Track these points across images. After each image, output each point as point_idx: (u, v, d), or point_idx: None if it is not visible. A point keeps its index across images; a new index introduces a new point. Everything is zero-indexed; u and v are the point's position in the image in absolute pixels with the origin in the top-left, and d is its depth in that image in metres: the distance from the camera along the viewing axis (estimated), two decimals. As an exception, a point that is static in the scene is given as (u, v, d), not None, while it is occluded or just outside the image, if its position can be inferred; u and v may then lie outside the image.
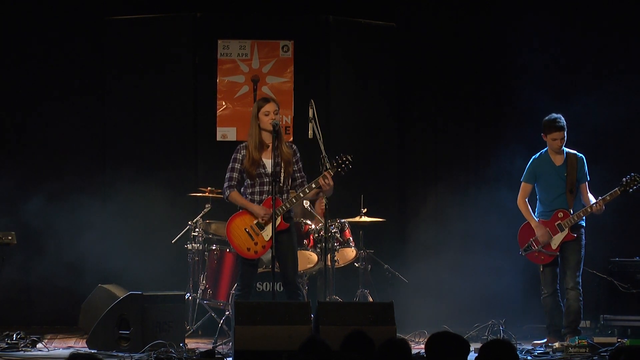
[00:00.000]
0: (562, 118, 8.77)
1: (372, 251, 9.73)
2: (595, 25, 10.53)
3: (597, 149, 9.82)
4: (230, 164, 8.10)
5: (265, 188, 8.02)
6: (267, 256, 8.63)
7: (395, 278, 9.78)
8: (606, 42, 10.53)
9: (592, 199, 8.77)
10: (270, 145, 7.98)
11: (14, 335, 8.55)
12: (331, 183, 7.91)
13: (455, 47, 10.74)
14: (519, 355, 5.90)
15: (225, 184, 8.08)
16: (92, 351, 7.98)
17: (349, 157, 7.97)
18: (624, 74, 10.45)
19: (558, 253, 8.79)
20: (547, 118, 8.82)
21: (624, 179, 8.64)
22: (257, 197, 8.03)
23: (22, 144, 10.48)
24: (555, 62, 10.61)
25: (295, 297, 7.97)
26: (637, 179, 8.62)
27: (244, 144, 8.10)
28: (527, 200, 8.93)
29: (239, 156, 8.06)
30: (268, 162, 7.98)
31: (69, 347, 8.65)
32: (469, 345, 5.27)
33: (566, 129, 8.75)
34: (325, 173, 7.91)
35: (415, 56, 10.81)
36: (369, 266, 9.66)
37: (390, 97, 10.75)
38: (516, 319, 9.67)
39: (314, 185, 7.93)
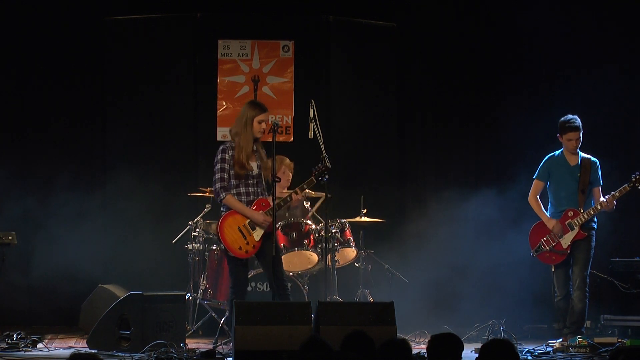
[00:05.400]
0: (578, 119, 8.75)
1: (372, 251, 9.72)
2: (594, 24, 10.51)
3: (599, 146, 9.80)
4: (220, 165, 7.98)
5: (251, 189, 8.01)
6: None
7: (396, 278, 9.78)
8: (608, 37, 10.51)
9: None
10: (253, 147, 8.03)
11: (15, 336, 8.55)
12: (300, 198, 8.31)
13: (455, 47, 10.73)
14: (519, 355, 5.91)
15: (218, 185, 7.96)
16: (93, 351, 7.99)
17: (323, 166, 8.05)
18: (629, 70, 10.45)
19: (569, 252, 8.77)
20: (562, 119, 8.80)
21: (634, 175, 8.62)
22: (244, 198, 8.00)
23: (22, 143, 10.48)
24: (556, 61, 10.60)
25: (283, 294, 7.93)
26: None
27: (228, 144, 8.02)
28: (538, 197, 8.91)
29: (227, 156, 7.98)
30: (253, 164, 8.00)
31: (70, 347, 8.66)
32: (463, 345, 5.35)
33: (581, 130, 8.74)
34: (297, 189, 8.11)
35: (415, 56, 10.81)
36: (370, 266, 9.66)
37: (390, 97, 10.74)
38: (516, 319, 9.67)
39: (289, 199, 8.11)
